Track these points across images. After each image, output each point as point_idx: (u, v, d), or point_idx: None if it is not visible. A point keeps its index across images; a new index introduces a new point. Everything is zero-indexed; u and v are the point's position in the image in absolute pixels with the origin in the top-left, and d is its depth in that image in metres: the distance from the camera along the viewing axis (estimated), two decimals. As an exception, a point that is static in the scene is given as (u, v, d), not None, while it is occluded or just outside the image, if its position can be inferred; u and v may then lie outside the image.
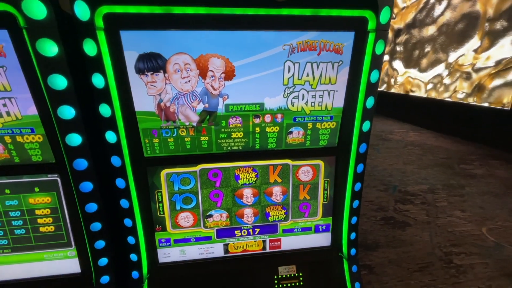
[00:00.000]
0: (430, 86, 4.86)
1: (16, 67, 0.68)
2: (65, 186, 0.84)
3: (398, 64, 5.73)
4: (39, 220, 0.87)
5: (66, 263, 0.92)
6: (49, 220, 0.87)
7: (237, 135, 0.86)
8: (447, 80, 4.47)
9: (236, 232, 1.00)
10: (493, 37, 3.67)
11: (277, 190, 0.97)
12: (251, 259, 1.03)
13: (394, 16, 5.54)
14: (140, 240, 0.93)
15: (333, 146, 0.93)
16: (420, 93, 5.12)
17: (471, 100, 4.06)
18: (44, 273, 0.92)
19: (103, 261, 0.93)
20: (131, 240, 0.93)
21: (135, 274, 0.96)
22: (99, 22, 0.67)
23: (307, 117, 0.87)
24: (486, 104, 3.84)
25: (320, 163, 0.96)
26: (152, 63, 0.73)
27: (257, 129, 0.86)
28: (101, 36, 0.68)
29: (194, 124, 0.82)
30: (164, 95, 0.77)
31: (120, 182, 0.85)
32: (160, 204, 0.92)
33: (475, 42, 3.92)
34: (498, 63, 3.63)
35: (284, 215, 1.01)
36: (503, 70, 3.57)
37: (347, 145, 0.93)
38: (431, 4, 4.72)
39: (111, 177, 0.85)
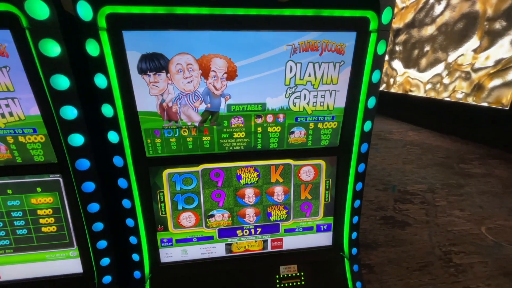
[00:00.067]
0: (429, 86, 4.87)
1: (19, 67, 0.68)
2: (67, 186, 0.84)
3: (397, 64, 5.74)
4: (41, 220, 0.87)
5: (68, 263, 0.93)
6: (51, 220, 0.87)
7: (239, 135, 0.86)
8: (446, 80, 4.48)
9: (238, 232, 1.00)
10: (492, 37, 3.68)
11: (278, 190, 0.98)
12: (252, 258, 1.03)
13: (394, 16, 5.53)
14: (142, 240, 0.93)
15: (334, 146, 0.93)
16: (420, 93, 5.13)
17: (470, 100, 4.07)
18: (46, 273, 0.92)
19: (105, 261, 0.93)
20: (133, 240, 0.93)
21: (137, 274, 0.97)
22: (102, 23, 0.67)
23: (308, 117, 0.87)
24: (485, 104, 3.85)
25: (322, 163, 0.96)
26: (155, 63, 0.73)
27: (259, 129, 0.87)
28: (104, 36, 0.68)
29: (196, 124, 0.82)
30: (166, 95, 0.77)
31: (122, 182, 0.85)
32: (162, 204, 0.92)
33: (474, 42, 3.93)
34: (497, 63, 3.64)
35: (286, 215, 1.01)
36: (502, 70, 3.58)
37: (348, 145, 0.93)
38: (430, 4, 4.73)
39: (113, 177, 0.85)
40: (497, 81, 3.67)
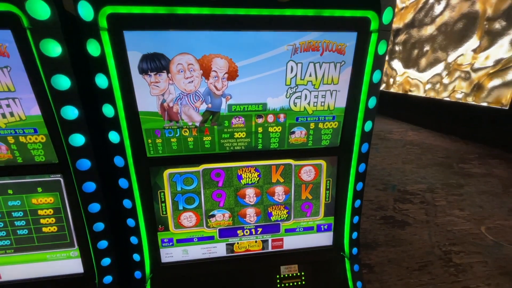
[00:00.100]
0: (429, 86, 4.88)
1: (20, 68, 0.68)
2: (68, 186, 0.84)
3: (397, 64, 5.74)
4: (42, 221, 0.87)
5: (69, 263, 0.93)
6: (52, 220, 0.87)
7: (239, 135, 0.86)
8: (446, 80, 4.49)
9: (238, 231, 1.00)
10: (492, 37, 3.68)
11: (279, 190, 0.98)
12: (253, 258, 1.03)
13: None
14: (143, 240, 0.93)
15: (335, 146, 0.93)
16: (419, 93, 5.13)
17: (470, 100, 4.08)
18: (46, 273, 0.92)
19: (106, 261, 0.93)
20: (134, 240, 0.93)
21: (137, 274, 0.97)
22: (103, 23, 0.67)
23: (309, 117, 0.87)
24: (485, 104, 3.85)
25: (322, 163, 0.97)
26: (156, 63, 0.73)
27: (260, 129, 0.87)
28: (105, 36, 0.68)
29: (197, 124, 0.82)
30: (167, 95, 0.77)
31: (123, 182, 0.85)
32: (163, 204, 0.92)
33: (474, 42, 3.94)
34: (497, 62, 3.65)
35: (286, 215, 1.01)
36: (502, 69, 3.59)
37: (349, 145, 0.93)
38: (430, 4, 4.73)
39: (114, 177, 0.85)
40: (496, 81, 3.67)
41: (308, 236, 1.05)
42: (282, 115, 0.85)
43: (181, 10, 0.68)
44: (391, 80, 5.98)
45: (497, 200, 2.44)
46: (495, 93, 3.71)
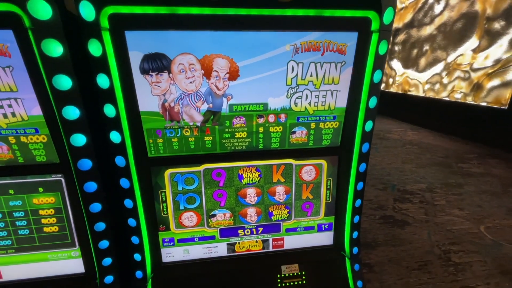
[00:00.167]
0: (428, 85, 4.89)
1: (21, 68, 0.68)
2: (69, 186, 0.84)
3: (396, 64, 5.75)
4: (43, 221, 0.87)
5: (70, 263, 0.93)
6: (53, 220, 0.87)
7: (240, 135, 0.86)
8: (445, 80, 4.50)
9: (239, 231, 1.01)
10: (491, 37, 3.69)
11: (280, 190, 0.98)
12: (254, 258, 1.04)
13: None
14: (144, 240, 0.93)
15: (336, 145, 0.94)
16: (418, 92, 5.14)
17: (469, 100, 4.09)
18: (48, 273, 0.92)
19: (107, 261, 0.93)
20: (135, 240, 0.93)
21: (139, 274, 0.97)
22: (104, 23, 0.67)
23: (310, 117, 0.87)
24: (484, 104, 3.87)
25: (323, 162, 0.97)
26: (157, 63, 0.73)
27: (261, 129, 0.87)
28: (106, 36, 0.68)
29: (198, 124, 0.82)
30: (168, 95, 0.77)
31: (124, 182, 0.85)
32: (164, 204, 0.92)
33: (473, 41, 3.95)
34: (496, 62, 3.66)
35: (287, 215, 1.01)
36: (501, 69, 3.60)
37: (349, 144, 0.93)
38: (429, 4, 4.74)
39: (115, 177, 0.85)
40: (496, 81, 3.68)
41: (308, 236, 1.06)
42: (283, 115, 0.86)
43: (182, 10, 0.68)
44: (391, 80, 5.99)
45: (496, 199, 2.45)
46: (494, 93, 3.72)
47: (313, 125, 0.89)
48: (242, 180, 0.94)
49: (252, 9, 0.71)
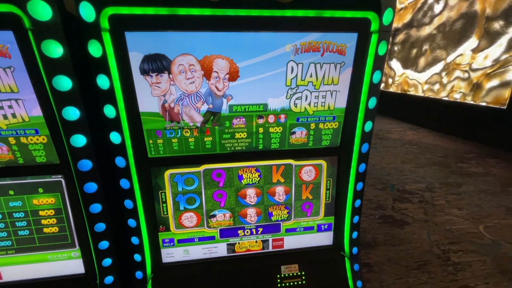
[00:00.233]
0: (427, 85, 4.90)
1: (21, 68, 0.68)
2: (69, 187, 0.84)
3: (395, 64, 5.76)
4: (43, 221, 0.87)
5: (70, 263, 0.93)
6: (53, 221, 0.87)
7: (240, 135, 0.87)
8: (444, 80, 4.51)
9: (239, 232, 1.01)
10: (491, 37, 3.70)
11: (280, 190, 0.98)
12: (254, 258, 1.04)
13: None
14: (144, 240, 0.93)
15: (335, 146, 0.94)
16: (418, 92, 5.15)
17: (468, 100, 4.09)
18: (48, 274, 0.92)
19: (107, 262, 0.93)
20: (135, 240, 0.93)
21: (139, 274, 0.97)
22: (104, 23, 0.67)
23: (310, 118, 0.88)
24: (483, 103, 3.87)
25: (323, 163, 0.97)
26: (157, 64, 0.73)
27: (261, 130, 0.87)
28: (106, 37, 0.68)
29: (198, 124, 0.82)
30: (168, 96, 0.77)
31: (124, 183, 0.85)
32: (164, 205, 0.92)
33: (473, 41, 3.95)
34: (495, 62, 3.67)
35: (287, 215, 1.02)
36: (501, 69, 3.61)
37: (349, 145, 0.93)
38: (429, 4, 4.75)
39: (115, 178, 0.85)
40: (495, 81, 3.69)
41: (308, 236, 1.06)
42: (282, 116, 0.86)
43: (182, 11, 0.68)
44: (390, 80, 5.99)
45: (495, 199, 2.46)
46: (493, 93, 3.73)
47: (312, 126, 0.89)
48: (242, 181, 0.95)
49: (252, 10, 0.71)
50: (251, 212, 0.99)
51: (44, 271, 0.92)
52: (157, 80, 0.74)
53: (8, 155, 0.77)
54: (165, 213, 0.93)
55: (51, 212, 0.86)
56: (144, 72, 0.73)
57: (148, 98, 0.76)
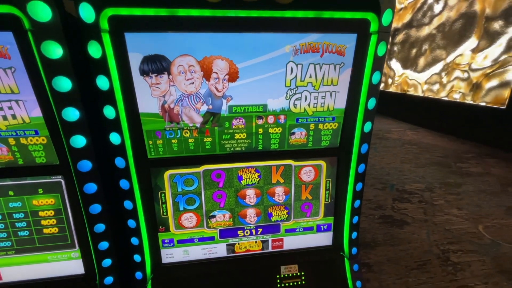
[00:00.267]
0: (427, 85, 4.90)
1: (21, 69, 0.68)
2: (69, 188, 0.84)
3: (395, 64, 5.76)
4: (43, 222, 0.87)
5: (70, 264, 0.93)
6: (53, 222, 0.87)
7: (240, 136, 0.87)
8: (444, 80, 4.51)
9: (239, 232, 1.01)
10: (490, 37, 3.70)
11: (279, 191, 0.98)
12: (253, 258, 1.04)
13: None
14: (143, 241, 0.93)
15: (335, 146, 0.94)
16: (417, 92, 5.15)
17: (468, 99, 4.10)
18: (47, 275, 0.92)
19: (107, 262, 0.93)
20: (134, 241, 0.93)
21: (138, 275, 0.97)
22: (104, 24, 0.67)
23: (309, 118, 0.88)
24: (482, 103, 3.88)
25: (322, 163, 0.97)
26: (157, 65, 0.73)
27: (260, 130, 0.87)
28: (106, 38, 0.68)
29: (198, 125, 0.83)
30: (168, 97, 0.77)
31: (124, 184, 0.85)
32: (164, 205, 0.92)
33: (472, 42, 3.96)
34: (495, 62, 3.67)
35: (287, 215, 1.02)
36: (500, 69, 3.61)
37: (348, 145, 0.94)
38: (428, 4, 4.75)
39: (115, 179, 0.85)
40: (494, 81, 3.69)
41: (308, 236, 1.06)
42: (282, 116, 0.86)
43: (182, 12, 0.68)
44: (390, 80, 6.00)
45: (494, 199, 2.46)
46: (493, 93, 3.73)
47: (312, 126, 0.89)
48: (242, 181, 0.95)
49: (251, 11, 0.71)
50: (251, 213, 0.99)
51: (44, 271, 0.92)
52: (156, 81, 0.75)
53: (8, 156, 0.77)
54: (165, 213, 0.93)
55: (51, 213, 0.86)
56: (143, 73, 0.73)
57: (148, 99, 0.77)
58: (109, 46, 0.69)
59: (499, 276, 1.59)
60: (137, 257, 0.95)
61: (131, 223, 0.91)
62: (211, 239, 1.00)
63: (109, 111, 0.76)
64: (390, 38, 5.73)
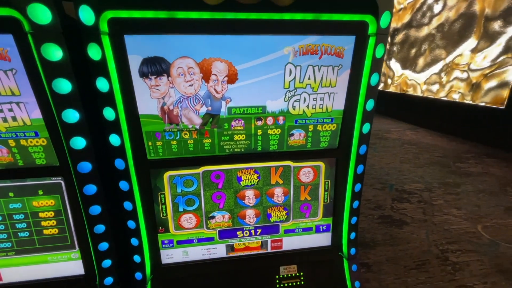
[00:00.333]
0: (426, 85, 4.90)
1: (21, 71, 0.68)
2: (69, 189, 0.84)
3: (394, 64, 5.76)
4: (43, 223, 0.87)
5: (70, 265, 0.93)
6: (53, 223, 0.88)
7: (239, 137, 0.87)
8: (443, 80, 4.52)
9: (238, 233, 1.01)
10: (489, 37, 3.71)
11: (278, 191, 0.99)
12: (253, 259, 1.04)
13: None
14: (143, 241, 0.94)
15: (333, 147, 0.95)
16: (417, 92, 5.16)
17: (467, 99, 4.10)
18: (48, 275, 0.93)
19: (107, 263, 0.93)
20: (134, 241, 0.94)
21: (138, 275, 0.97)
22: (104, 27, 0.67)
23: (308, 120, 0.88)
24: (482, 103, 3.88)
25: (321, 164, 0.98)
26: (156, 67, 0.73)
27: (259, 132, 0.87)
28: (106, 40, 0.68)
29: (197, 126, 0.83)
30: (167, 99, 0.78)
31: (123, 185, 0.86)
32: (163, 206, 0.93)
33: (472, 42, 3.96)
34: (494, 62, 3.67)
35: (286, 216, 1.02)
36: (499, 70, 3.62)
37: (347, 146, 0.94)
38: (428, 4, 4.75)
39: (115, 180, 0.86)
40: (493, 81, 3.70)
41: (307, 237, 1.06)
42: (281, 118, 0.86)
43: (181, 15, 0.69)
44: (389, 81, 6.00)
45: (493, 199, 2.47)
46: (492, 93, 3.74)
47: (311, 128, 0.90)
48: (241, 182, 0.95)
49: (250, 13, 0.71)
50: (250, 213, 1.00)
51: (44, 272, 0.92)
52: (156, 82, 0.75)
53: (8, 157, 0.78)
54: (165, 214, 0.94)
55: (51, 214, 0.87)
56: (143, 75, 0.74)
57: (147, 101, 0.77)
58: (108, 48, 0.69)
59: (498, 276, 1.60)
60: (136, 258, 0.96)
61: (131, 224, 0.91)
62: (210, 239, 1.00)
63: (108, 113, 0.76)
64: (389, 38, 5.74)
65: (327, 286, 1.05)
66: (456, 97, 4.29)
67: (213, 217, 0.97)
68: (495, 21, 3.62)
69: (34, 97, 0.71)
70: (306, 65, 0.80)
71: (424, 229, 2.03)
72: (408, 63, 5.35)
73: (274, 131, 0.88)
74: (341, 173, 0.98)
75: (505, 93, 3.57)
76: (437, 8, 4.55)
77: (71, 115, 0.74)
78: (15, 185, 0.82)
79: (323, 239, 1.08)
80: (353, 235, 1.06)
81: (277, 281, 1.03)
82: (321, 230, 1.06)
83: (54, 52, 0.67)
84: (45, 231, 0.88)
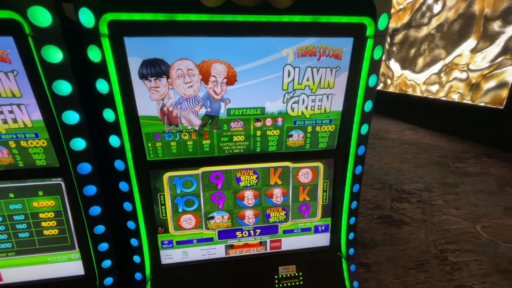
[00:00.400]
0: (426, 85, 4.91)
1: (22, 73, 0.69)
2: (69, 190, 0.85)
3: (394, 64, 5.77)
4: (43, 224, 0.88)
5: (70, 265, 0.94)
6: (53, 223, 0.88)
7: (238, 138, 0.88)
8: (443, 80, 4.52)
9: (237, 233, 1.02)
10: (489, 37, 3.71)
11: (277, 192, 0.99)
12: (252, 259, 1.05)
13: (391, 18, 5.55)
14: (143, 242, 0.94)
15: (332, 148, 0.95)
16: (416, 92, 5.16)
17: (467, 100, 4.11)
18: (48, 276, 0.93)
19: (107, 263, 0.94)
20: (134, 242, 0.94)
21: (138, 276, 0.98)
22: (104, 29, 0.67)
23: (307, 121, 0.89)
24: (481, 104, 3.89)
25: (320, 165, 0.98)
26: (156, 68, 0.74)
27: (258, 133, 0.88)
28: (105, 42, 0.69)
29: (197, 128, 0.83)
30: (167, 100, 0.78)
31: (123, 186, 0.86)
32: (163, 207, 0.93)
33: (471, 42, 3.97)
34: (493, 63, 3.68)
35: (284, 216, 1.03)
36: (498, 70, 3.62)
37: (345, 147, 0.95)
38: (427, 5, 4.76)
39: (115, 181, 0.86)
40: (493, 81, 3.70)
41: (305, 237, 1.07)
42: (280, 119, 0.87)
43: (180, 17, 0.69)
44: (389, 81, 6.01)
45: (492, 199, 2.47)
46: (491, 93, 3.74)
47: (309, 129, 0.90)
48: (240, 183, 0.96)
49: (249, 15, 0.72)
50: (249, 214, 1.00)
51: (44, 272, 0.93)
52: (155, 84, 0.75)
53: (8, 158, 0.78)
54: (164, 215, 0.94)
55: (51, 215, 0.87)
56: (143, 76, 0.74)
57: (147, 102, 0.77)
58: (108, 50, 0.70)
59: (497, 276, 1.60)
60: (136, 258, 0.96)
61: (130, 224, 0.92)
62: (209, 240, 1.01)
63: (108, 114, 0.77)
64: (389, 39, 5.75)
65: (326, 286, 1.06)
66: (455, 97, 4.30)
67: (212, 217, 0.98)
68: (494, 21, 3.62)
69: (34, 99, 0.71)
70: (305, 67, 0.81)
71: (423, 229, 2.04)
72: (407, 63, 5.36)
73: (273, 132, 0.89)
74: (340, 174, 0.99)
75: (504, 93, 3.57)
76: (436, 8, 4.55)
77: (71, 117, 0.74)
78: (16, 186, 0.83)
79: (322, 240, 1.08)
80: (351, 235, 1.07)
81: (276, 281, 1.04)
82: (320, 230, 1.07)
83: (54, 54, 0.67)
84: (45, 232, 0.89)
